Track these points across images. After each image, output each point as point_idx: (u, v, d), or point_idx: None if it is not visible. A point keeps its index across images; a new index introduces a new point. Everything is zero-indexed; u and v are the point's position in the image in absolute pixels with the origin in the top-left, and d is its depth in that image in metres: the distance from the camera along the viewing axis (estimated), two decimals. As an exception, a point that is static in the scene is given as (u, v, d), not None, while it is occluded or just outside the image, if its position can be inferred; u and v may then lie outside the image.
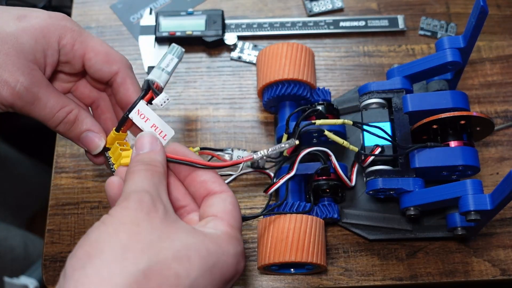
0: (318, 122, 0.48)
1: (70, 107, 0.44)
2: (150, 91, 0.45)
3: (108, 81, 0.45)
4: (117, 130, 0.45)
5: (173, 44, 0.49)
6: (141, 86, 0.46)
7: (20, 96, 0.41)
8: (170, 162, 0.41)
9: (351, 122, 0.49)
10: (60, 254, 0.55)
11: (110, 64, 0.45)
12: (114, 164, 0.45)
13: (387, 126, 0.50)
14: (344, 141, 0.49)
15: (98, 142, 0.45)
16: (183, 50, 0.50)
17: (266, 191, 0.50)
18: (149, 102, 0.44)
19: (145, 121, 0.44)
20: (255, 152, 0.45)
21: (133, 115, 0.44)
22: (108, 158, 0.46)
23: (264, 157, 0.44)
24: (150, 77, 0.46)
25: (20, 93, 0.41)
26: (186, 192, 0.42)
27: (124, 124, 0.44)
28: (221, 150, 0.54)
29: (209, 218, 0.38)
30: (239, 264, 0.37)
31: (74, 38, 0.44)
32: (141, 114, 0.44)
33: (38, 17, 0.43)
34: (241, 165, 0.44)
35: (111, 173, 0.45)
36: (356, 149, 0.50)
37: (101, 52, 0.44)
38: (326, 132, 0.48)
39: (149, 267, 0.31)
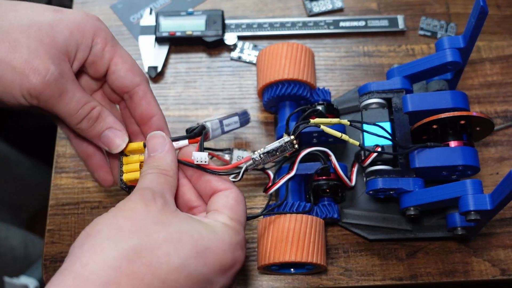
0: (313, 121, 0.48)
1: (94, 103, 0.43)
2: (199, 137, 0.44)
3: (127, 92, 0.45)
4: (146, 145, 0.43)
5: (247, 111, 0.52)
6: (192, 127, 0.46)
7: (49, 86, 0.40)
8: (180, 164, 0.43)
9: (348, 122, 0.48)
10: (60, 254, 0.55)
11: (134, 75, 0.45)
12: (123, 173, 0.44)
13: (387, 126, 0.50)
14: (342, 134, 0.48)
15: (119, 141, 0.44)
16: (250, 119, 0.52)
17: (266, 191, 0.50)
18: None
19: (193, 153, 0.43)
20: (253, 152, 0.45)
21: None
22: (121, 164, 0.45)
23: (262, 155, 0.44)
24: (208, 124, 0.46)
25: (50, 82, 0.40)
26: (198, 193, 0.44)
27: None
28: (221, 150, 0.54)
29: (210, 212, 0.40)
30: (236, 252, 0.38)
31: (107, 40, 0.44)
32: (177, 149, 0.44)
33: (74, 12, 0.43)
34: (242, 169, 0.44)
35: (119, 182, 0.44)
36: (357, 143, 0.48)
37: (128, 61, 0.45)
38: (322, 127, 0.48)
39: (140, 245, 0.34)
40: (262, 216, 0.51)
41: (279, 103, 0.57)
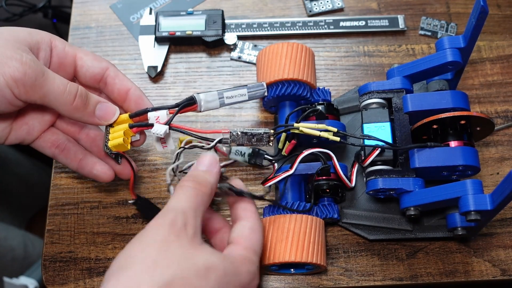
0: (296, 125, 0.48)
1: (76, 83, 0.45)
2: (184, 107, 0.46)
3: (100, 79, 0.48)
4: (132, 116, 0.47)
5: (263, 84, 0.51)
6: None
7: (29, 66, 0.41)
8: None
9: (335, 129, 0.48)
10: (59, 254, 0.55)
11: (99, 61, 0.48)
12: (109, 140, 0.47)
13: (387, 126, 0.50)
14: (320, 132, 0.48)
15: (113, 109, 0.47)
16: (265, 90, 0.52)
17: (263, 183, 0.51)
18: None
19: (155, 124, 0.46)
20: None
21: (151, 114, 0.46)
22: (107, 133, 0.47)
23: (239, 133, 0.46)
24: (201, 96, 0.48)
25: (28, 63, 0.41)
26: (224, 218, 0.47)
27: (141, 115, 0.47)
28: (219, 142, 0.54)
29: (229, 245, 0.42)
30: (253, 282, 0.40)
31: (64, 43, 0.48)
32: (156, 117, 0.46)
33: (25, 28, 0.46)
34: (216, 139, 0.46)
35: (104, 147, 0.47)
36: (337, 139, 0.48)
37: (90, 53, 0.49)
38: (301, 128, 0.48)
39: (173, 279, 0.35)
40: (263, 214, 0.51)
41: (279, 103, 0.57)
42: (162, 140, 0.48)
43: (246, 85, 0.51)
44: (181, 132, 0.46)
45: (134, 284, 0.34)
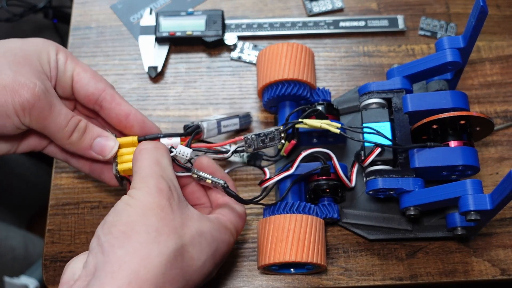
0: (304, 121, 0.49)
1: (79, 117, 0.45)
2: (191, 136, 0.48)
3: (96, 100, 0.47)
4: (140, 140, 0.46)
5: (249, 114, 0.57)
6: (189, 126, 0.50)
7: (39, 98, 0.41)
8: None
9: (338, 125, 0.48)
10: (60, 254, 0.55)
11: (96, 81, 0.47)
12: (118, 164, 0.46)
13: (387, 126, 0.50)
14: (321, 124, 0.48)
15: (112, 143, 0.46)
16: (252, 122, 0.58)
17: (261, 183, 0.51)
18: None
19: (179, 145, 0.47)
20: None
21: (164, 141, 0.46)
22: (115, 156, 0.47)
23: (253, 136, 0.47)
24: (204, 124, 0.50)
25: (39, 94, 0.41)
26: (206, 194, 0.49)
27: (152, 140, 0.46)
28: (235, 152, 0.54)
29: (216, 212, 0.46)
30: (224, 255, 0.44)
31: (67, 54, 0.46)
32: (169, 145, 0.46)
33: (36, 38, 0.46)
34: (234, 146, 0.48)
35: (114, 169, 0.47)
36: (337, 130, 0.49)
37: (89, 70, 0.47)
38: (305, 121, 0.49)
39: (176, 249, 0.37)
40: (261, 217, 0.51)
41: (279, 103, 0.57)
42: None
43: (238, 115, 0.56)
44: (201, 151, 0.48)
45: (144, 254, 0.35)
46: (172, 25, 0.64)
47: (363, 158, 0.50)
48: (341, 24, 0.66)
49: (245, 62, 0.65)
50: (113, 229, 0.37)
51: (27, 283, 0.94)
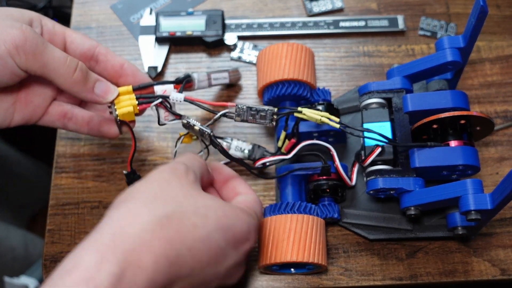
0: (300, 108, 0.49)
1: (76, 59, 0.46)
2: (182, 83, 0.50)
3: (92, 56, 0.49)
4: (135, 89, 0.48)
5: (237, 69, 0.59)
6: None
7: (30, 33, 0.42)
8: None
9: (337, 119, 0.48)
10: (60, 254, 0.55)
11: (88, 39, 0.50)
12: (116, 110, 0.48)
13: (387, 126, 0.50)
14: (321, 117, 0.48)
15: (114, 89, 0.48)
16: (240, 77, 0.60)
17: (254, 162, 0.52)
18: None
19: (172, 92, 0.49)
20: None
21: (157, 88, 0.49)
22: (113, 105, 0.48)
23: (245, 106, 0.48)
24: (195, 75, 0.53)
25: (28, 31, 0.42)
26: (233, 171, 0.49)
27: (146, 88, 0.49)
28: (221, 138, 0.54)
29: (232, 201, 0.46)
30: (251, 233, 0.42)
31: (53, 22, 0.48)
32: (164, 91, 0.49)
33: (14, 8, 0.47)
34: (222, 111, 0.50)
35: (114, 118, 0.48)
36: (337, 125, 0.48)
37: (78, 32, 0.50)
38: (304, 111, 0.48)
39: (172, 213, 0.37)
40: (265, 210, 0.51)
41: (279, 103, 0.57)
42: (166, 114, 0.50)
43: (227, 70, 0.58)
44: (192, 104, 0.49)
45: (133, 214, 0.36)
46: (172, 25, 0.64)
47: (363, 158, 0.50)
48: (341, 24, 0.66)
49: (245, 62, 0.65)
50: (118, 198, 0.38)
51: (27, 283, 0.94)
